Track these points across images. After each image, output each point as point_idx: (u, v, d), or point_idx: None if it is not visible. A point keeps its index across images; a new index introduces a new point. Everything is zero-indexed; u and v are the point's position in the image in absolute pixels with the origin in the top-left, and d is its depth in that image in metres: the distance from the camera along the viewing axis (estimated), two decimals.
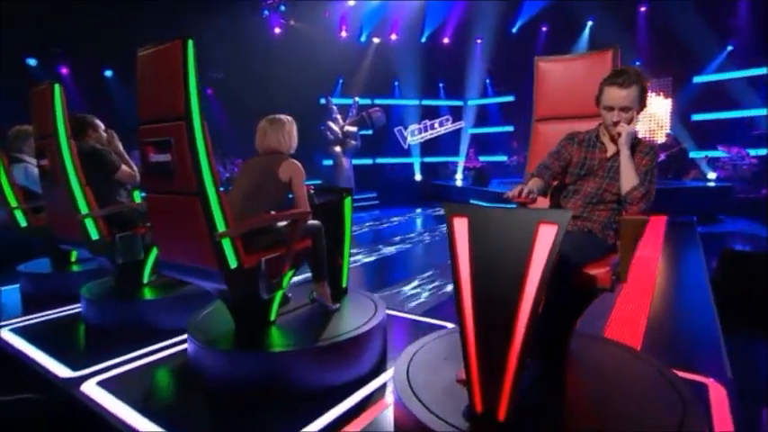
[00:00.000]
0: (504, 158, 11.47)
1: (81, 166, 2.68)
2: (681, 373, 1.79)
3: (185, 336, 2.35)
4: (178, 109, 1.79)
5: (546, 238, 1.26)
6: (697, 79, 9.17)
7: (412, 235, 6.01)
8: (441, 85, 11.51)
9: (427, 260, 4.68)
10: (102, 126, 2.97)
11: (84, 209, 2.70)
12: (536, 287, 1.27)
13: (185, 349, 2.33)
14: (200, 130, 1.80)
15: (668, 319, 2.81)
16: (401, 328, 2.68)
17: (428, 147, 11.23)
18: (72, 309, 3.06)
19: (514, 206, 1.62)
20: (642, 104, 1.69)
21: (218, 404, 1.90)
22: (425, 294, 3.41)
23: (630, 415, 1.43)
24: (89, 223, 2.71)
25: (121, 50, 4.93)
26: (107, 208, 2.75)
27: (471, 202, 7.58)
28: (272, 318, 2.24)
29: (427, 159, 11.23)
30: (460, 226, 1.38)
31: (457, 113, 11.55)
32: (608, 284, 1.55)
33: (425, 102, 11.36)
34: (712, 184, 7.36)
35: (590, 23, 10.03)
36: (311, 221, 2.26)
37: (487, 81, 11.47)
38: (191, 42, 1.76)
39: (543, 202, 1.91)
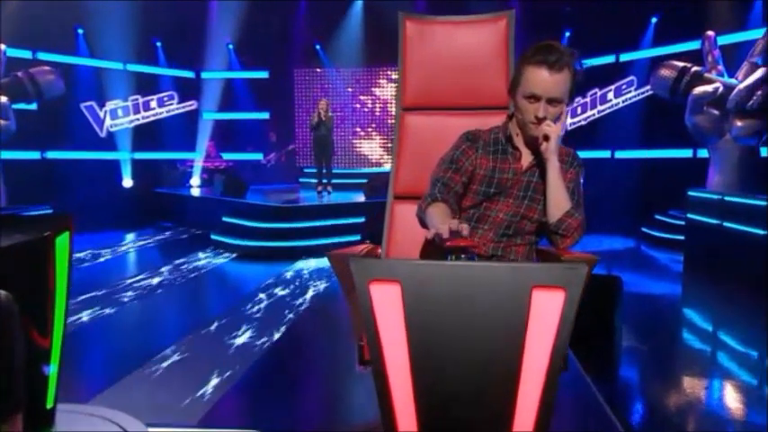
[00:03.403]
0: (259, 157, 11.55)
1: None
2: None
3: None
4: None
5: (547, 310, 1.07)
6: None
7: (133, 279, 5.36)
8: (158, 44, 10.85)
9: (174, 319, 4.42)
10: None
11: None
12: (540, 390, 1.08)
13: None
14: None
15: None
16: None
17: (143, 136, 10.52)
18: None
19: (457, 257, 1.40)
20: (571, 97, 1.69)
21: None
22: (194, 380, 2.99)
23: None
24: None
25: None
26: None
27: (224, 219, 7.31)
28: None
29: (142, 155, 10.51)
30: (386, 298, 1.13)
31: (187, 89, 11.21)
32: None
33: (134, 67, 10.49)
34: None
35: None
36: None
37: (230, 47, 11.33)
38: None
39: None
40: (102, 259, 6.42)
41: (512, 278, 1.09)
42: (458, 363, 1.10)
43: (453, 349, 1.10)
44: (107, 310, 4.36)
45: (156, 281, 5.34)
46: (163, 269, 5.84)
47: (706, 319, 4.69)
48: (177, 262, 6.18)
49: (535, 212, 1.72)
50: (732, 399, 2.94)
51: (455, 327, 1.11)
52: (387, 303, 1.12)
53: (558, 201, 1.67)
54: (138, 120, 10.54)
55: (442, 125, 2.04)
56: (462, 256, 1.32)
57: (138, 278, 5.44)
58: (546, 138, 1.65)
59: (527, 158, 1.75)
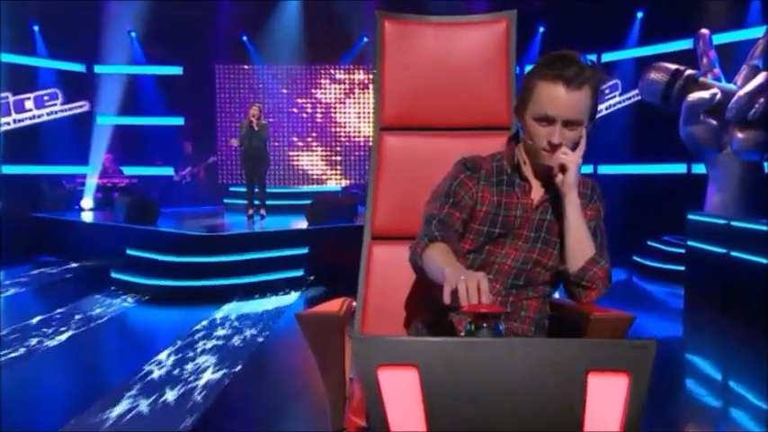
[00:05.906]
0: (170, 172, 11.59)
1: None
2: None
3: None
4: None
5: (606, 400, 1.07)
6: None
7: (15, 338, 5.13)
8: (36, 28, 10.93)
9: (58, 391, 4.23)
10: None
11: None
12: None
13: None
14: None
15: None
16: None
17: (15, 145, 10.53)
18: None
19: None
20: (592, 119, 1.71)
21: None
22: None
23: None
24: None
25: None
26: None
27: (129, 252, 7.22)
28: None
29: (14, 169, 10.50)
30: (400, 386, 1.12)
31: (76, 87, 11.24)
32: None
33: (3, 57, 10.49)
34: None
35: None
36: None
37: (133, 35, 11.39)
38: None
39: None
40: None
41: (561, 360, 1.09)
42: None
43: None
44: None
45: (32, 338, 5.09)
46: (41, 320, 5.61)
47: (714, 365, 4.86)
48: (63, 310, 5.97)
49: (550, 258, 1.73)
50: None
51: (489, 423, 1.09)
52: (401, 393, 1.10)
53: (581, 244, 1.67)
54: (7, 124, 10.48)
55: (429, 149, 2.05)
56: (483, 325, 1.28)
57: (5, 335, 5.15)
58: (562, 168, 1.66)
59: (538, 192, 1.76)
